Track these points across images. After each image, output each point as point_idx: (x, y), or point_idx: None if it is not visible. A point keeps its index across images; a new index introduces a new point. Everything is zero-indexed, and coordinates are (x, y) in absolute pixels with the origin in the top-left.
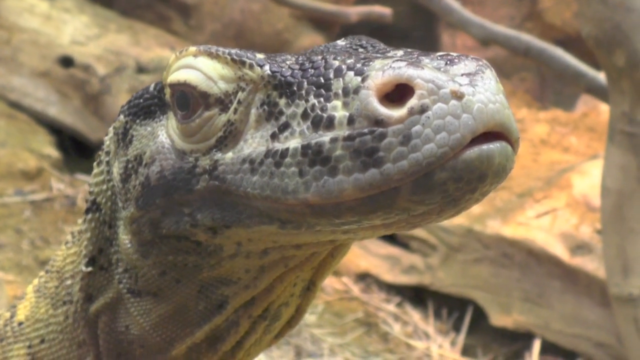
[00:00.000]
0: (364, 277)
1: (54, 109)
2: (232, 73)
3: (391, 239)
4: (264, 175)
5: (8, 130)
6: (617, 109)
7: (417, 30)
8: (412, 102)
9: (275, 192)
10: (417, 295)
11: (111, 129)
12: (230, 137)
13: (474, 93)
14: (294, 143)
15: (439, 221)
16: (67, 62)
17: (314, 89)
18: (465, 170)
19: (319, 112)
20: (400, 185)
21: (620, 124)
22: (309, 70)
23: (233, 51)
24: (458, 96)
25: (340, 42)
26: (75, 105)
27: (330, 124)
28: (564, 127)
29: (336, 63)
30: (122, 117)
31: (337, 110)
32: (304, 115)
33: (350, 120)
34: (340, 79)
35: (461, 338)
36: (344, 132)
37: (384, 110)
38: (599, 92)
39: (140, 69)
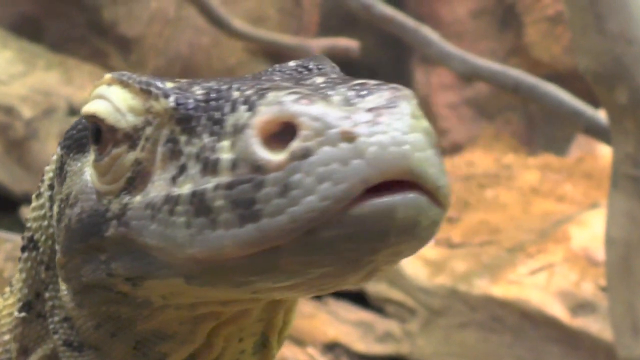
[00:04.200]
0: (332, 347)
1: None
2: (140, 105)
3: (363, 302)
4: (160, 224)
5: None
6: (620, 151)
7: (388, 66)
8: (294, 145)
9: (168, 244)
10: None
11: (53, 159)
12: (139, 178)
13: (371, 133)
14: (186, 189)
15: (353, 284)
16: None
17: (211, 125)
18: (356, 227)
19: (208, 154)
20: (281, 244)
21: (624, 167)
22: (211, 102)
23: (144, 79)
24: (348, 138)
25: (291, 63)
26: None
27: (215, 168)
28: (557, 174)
29: (236, 94)
30: (58, 149)
31: (224, 152)
32: (197, 157)
33: (234, 165)
34: (234, 114)
35: None
36: (226, 178)
37: (263, 154)
38: (598, 133)
39: (73, 111)
